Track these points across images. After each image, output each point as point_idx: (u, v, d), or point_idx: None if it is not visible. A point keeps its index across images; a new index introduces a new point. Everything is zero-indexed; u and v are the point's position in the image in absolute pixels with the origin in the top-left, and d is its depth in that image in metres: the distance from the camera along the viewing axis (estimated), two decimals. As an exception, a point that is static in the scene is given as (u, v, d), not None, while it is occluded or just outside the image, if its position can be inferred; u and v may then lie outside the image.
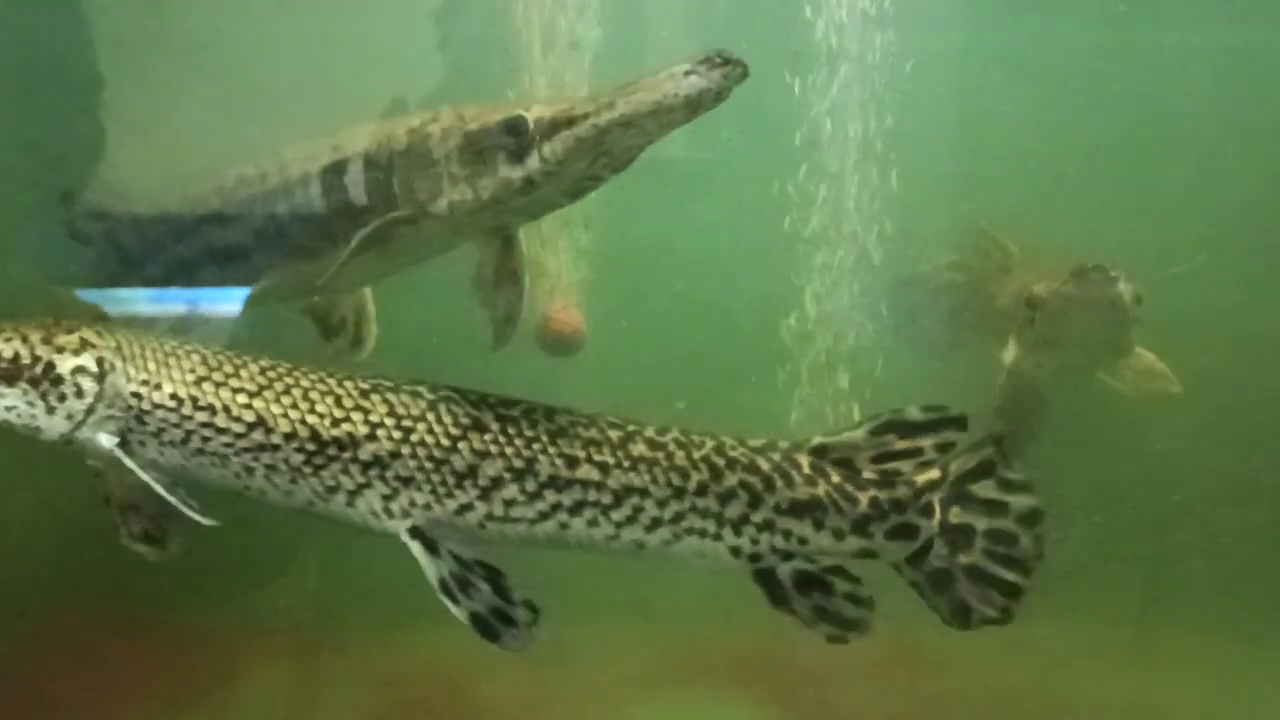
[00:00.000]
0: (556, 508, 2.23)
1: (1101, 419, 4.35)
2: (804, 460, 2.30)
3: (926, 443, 2.29)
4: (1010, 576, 2.35)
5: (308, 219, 2.59)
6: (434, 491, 2.20)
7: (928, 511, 2.30)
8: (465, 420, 2.23)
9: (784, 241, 4.33)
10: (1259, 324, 4.02)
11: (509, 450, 2.21)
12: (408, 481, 2.20)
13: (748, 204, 4.44)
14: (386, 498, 2.22)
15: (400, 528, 2.22)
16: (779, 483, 2.26)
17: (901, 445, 2.29)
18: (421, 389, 2.29)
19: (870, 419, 2.31)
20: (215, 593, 3.88)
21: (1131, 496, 4.42)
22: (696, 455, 2.27)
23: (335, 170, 2.53)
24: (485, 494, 2.21)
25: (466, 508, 2.21)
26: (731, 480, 2.26)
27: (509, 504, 2.21)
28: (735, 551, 2.27)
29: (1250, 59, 4.43)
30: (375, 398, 2.23)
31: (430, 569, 2.19)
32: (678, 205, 4.21)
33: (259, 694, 4.02)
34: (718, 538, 2.26)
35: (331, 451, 2.19)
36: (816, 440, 2.33)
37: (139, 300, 2.93)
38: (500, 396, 2.31)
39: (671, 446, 2.27)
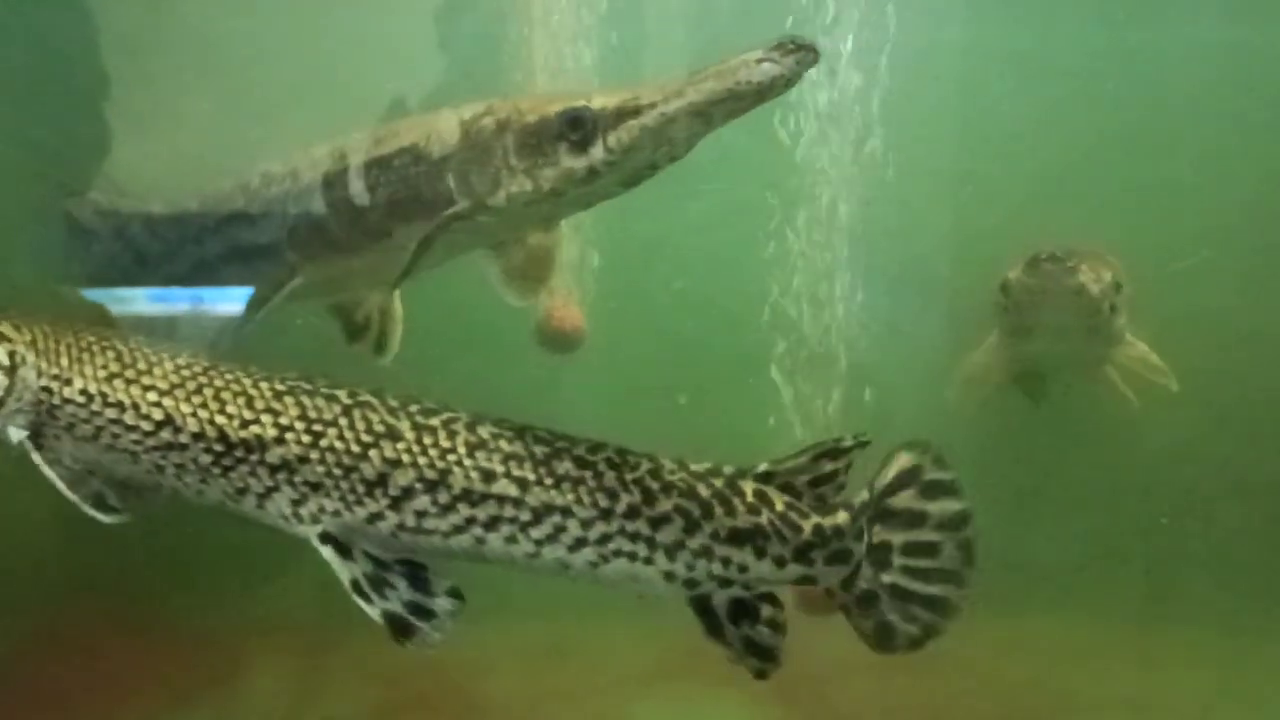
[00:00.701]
0: (471, 521, 2.15)
1: (1101, 415, 4.36)
2: (748, 487, 2.24)
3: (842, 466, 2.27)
4: (932, 590, 2.26)
5: (347, 215, 2.56)
6: (343, 499, 2.15)
7: (860, 535, 2.25)
8: (379, 428, 2.17)
9: (783, 239, 4.34)
10: (1259, 321, 4.01)
11: (421, 460, 2.15)
12: (316, 487, 2.15)
13: (747, 202, 4.45)
14: (295, 502, 2.17)
15: (310, 533, 2.18)
16: (718, 510, 2.20)
17: (831, 469, 2.25)
18: (340, 393, 2.22)
19: (813, 446, 2.27)
20: (217, 589, 3.90)
21: (1130, 493, 4.43)
22: (629, 477, 2.19)
23: (379, 165, 2.50)
24: (396, 504, 2.15)
25: (377, 516, 2.16)
26: (666, 505, 2.18)
27: (421, 515, 2.16)
28: (669, 577, 2.20)
29: (1250, 56, 4.43)
30: (289, 400, 2.18)
31: (342, 571, 2.16)
32: (676, 203, 4.21)
33: (261, 690, 4.03)
34: (649, 562, 2.18)
35: (239, 453, 2.16)
36: (762, 466, 2.27)
37: (139, 300, 2.93)
38: (426, 405, 2.24)
39: (602, 466, 2.19)
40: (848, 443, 2.25)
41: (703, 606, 2.24)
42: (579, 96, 2.26)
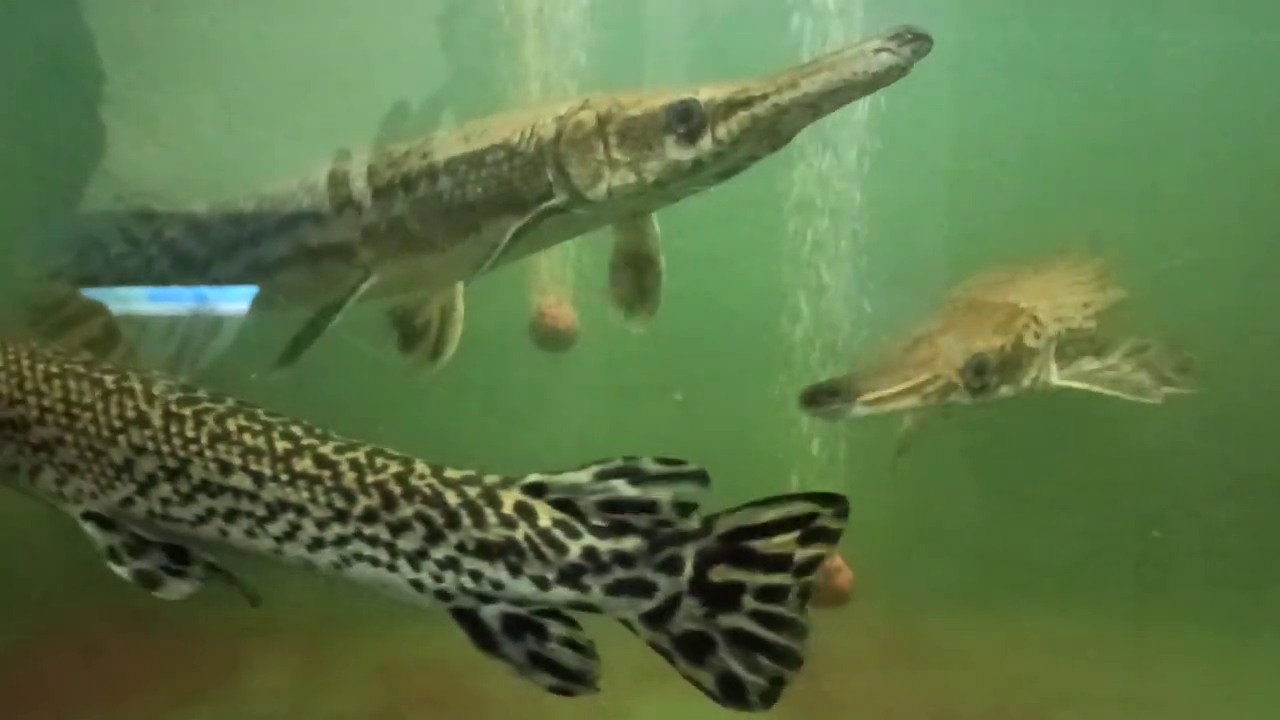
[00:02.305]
0: (211, 513, 2.14)
1: (1094, 413, 4.38)
2: (508, 499, 2.05)
3: (661, 495, 2.02)
4: (782, 640, 2.02)
5: (433, 212, 2.56)
6: (96, 481, 2.19)
7: (673, 566, 1.99)
8: (131, 414, 2.18)
9: (781, 237, 4.35)
10: (1252, 319, 4.03)
11: (165, 449, 2.15)
12: (73, 469, 2.20)
13: (745, 200, 4.46)
14: (58, 481, 2.22)
15: (74, 511, 2.22)
16: (466, 520, 2.03)
17: (631, 494, 2.01)
18: (108, 376, 2.24)
19: (599, 462, 2.06)
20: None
21: (1124, 490, 4.46)
22: (370, 479, 2.08)
23: (468, 161, 2.50)
24: (143, 490, 2.17)
25: (128, 501, 2.18)
26: (407, 511, 2.05)
27: (165, 503, 2.16)
28: (417, 586, 2.07)
29: (1246, 58, 4.46)
30: (56, 383, 2.22)
31: (100, 539, 2.19)
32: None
33: (262, 688, 4.04)
34: (393, 569, 2.07)
35: (7, 432, 2.22)
36: (533, 478, 2.07)
37: (144, 300, 2.93)
38: (191, 395, 2.22)
39: (344, 466, 2.09)
40: (651, 468, 2.01)
41: (469, 619, 2.07)
42: (683, 89, 2.27)
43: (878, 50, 2.02)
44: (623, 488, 2.02)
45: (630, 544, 2.01)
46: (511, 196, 2.45)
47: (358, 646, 4.04)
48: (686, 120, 2.25)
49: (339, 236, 2.67)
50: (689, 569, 1.99)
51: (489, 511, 2.04)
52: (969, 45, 4.25)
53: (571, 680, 2.09)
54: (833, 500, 1.99)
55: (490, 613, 2.06)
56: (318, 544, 2.09)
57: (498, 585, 2.04)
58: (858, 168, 4.26)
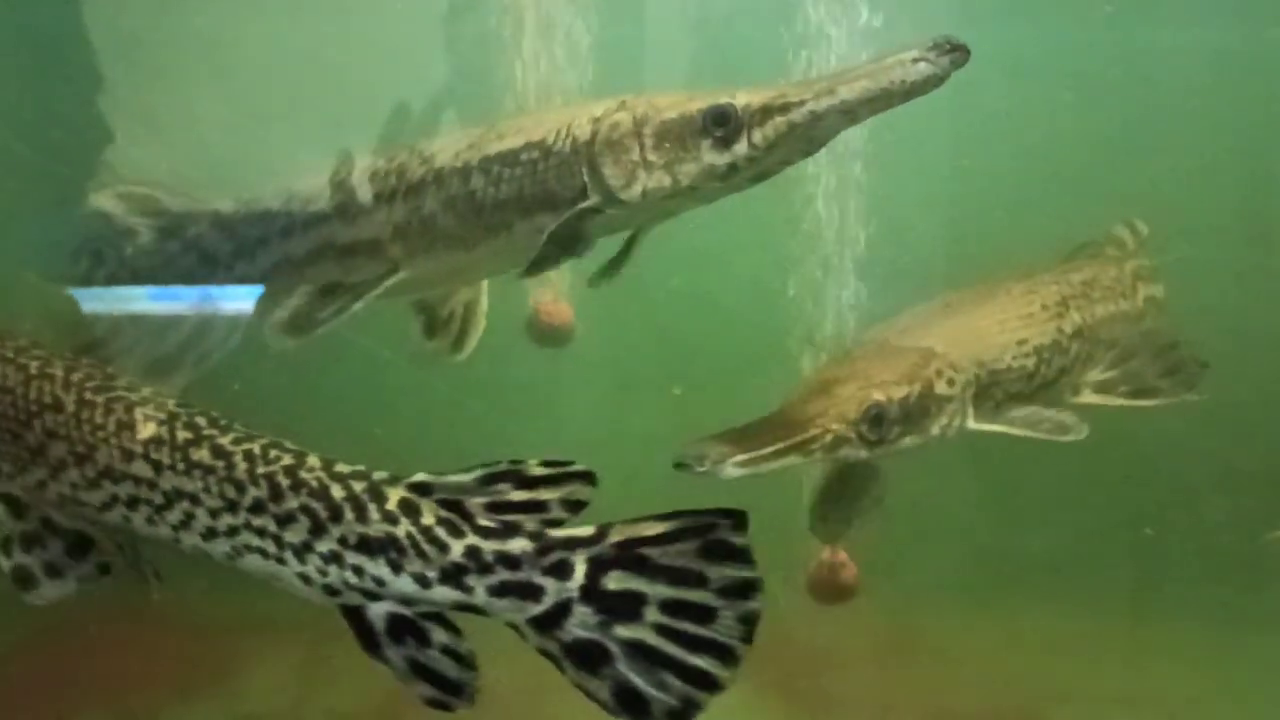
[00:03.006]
0: (115, 499, 2.16)
1: (1089, 410, 4.40)
2: (393, 495, 2.02)
3: (549, 496, 2.00)
4: (698, 662, 1.92)
5: (465, 209, 2.56)
6: (14, 462, 2.22)
7: (561, 571, 1.94)
8: (48, 399, 2.21)
9: (779, 235, 4.37)
10: (1247, 315, 4.04)
11: (74, 434, 2.18)
12: None
13: (744, 197, 4.47)
14: None
15: None
16: (349, 514, 2.02)
17: (518, 497, 2.00)
18: (33, 362, 2.27)
19: (485, 465, 2.04)
20: (220, 583, 3.92)
21: (1119, 488, 4.47)
22: (260, 470, 2.07)
23: (502, 160, 2.51)
24: (54, 474, 2.19)
25: (42, 484, 2.21)
26: (293, 503, 2.04)
27: (74, 487, 2.18)
28: (305, 579, 2.05)
29: (1240, 58, 4.48)
30: None
31: (5, 525, 2.23)
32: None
33: (263, 683, 4.06)
34: (281, 561, 2.06)
35: None
36: (419, 476, 2.05)
37: (144, 299, 2.93)
38: (105, 382, 2.24)
39: (238, 457, 2.09)
40: (537, 470, 2.00)
41: (355, 617, 2.04)
42: (720, 93, 2.28)
43: (916, 60, 2.05)
44: (509, 490, 2.00)
45: (516, 545, 1.97)
46: (546, 195, 2.47)
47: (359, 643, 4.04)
48: (723, 124, 2.26)
49: (369, 233, 2.67)
50: (580, 575, 1.94)
51: (372, 507, 2.02)
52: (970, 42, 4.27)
53: (449, 692, 2.03)
54: (730, 514, 1.92)
55: (376, 612, 2.03)
56: (211, 533, 2.09)
57: (380, 582, 2.01)
58: (859, 166, 4.28)
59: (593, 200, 2.40)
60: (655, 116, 2.35)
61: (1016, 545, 4.59)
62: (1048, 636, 4.51)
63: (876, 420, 2.74)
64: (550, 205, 2.46)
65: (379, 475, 2.06)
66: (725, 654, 1.91)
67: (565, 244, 2.44)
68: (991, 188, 4.53)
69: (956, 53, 2.05)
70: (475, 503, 2.01)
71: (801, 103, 2.17)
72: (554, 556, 1.94)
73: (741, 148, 2.25)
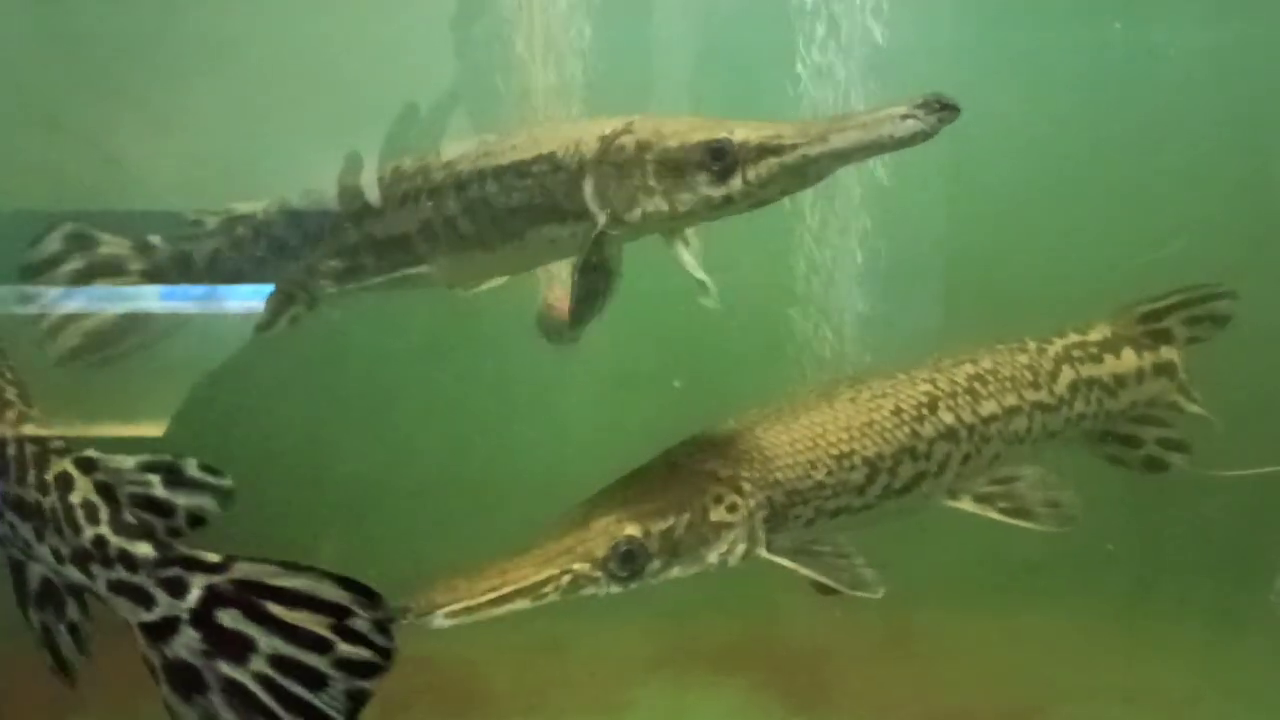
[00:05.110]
0: None
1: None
2: (56, 465, 2.00)
3: (182, 501, 1.97)
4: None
5: (482, 214, 2.67)
6: None
7: (176, 588, 1.88)
8: None
9: (779, 234, 4.38)
10: (1242, 311, 4.03)
11: None
12: None
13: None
14: None
15: None
16: (12, 473, 2.02)
17: (160, 493, 1.97)
18: None
19: (151, 453, 1.99)
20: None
21: (1115, 486, 4.47)
22: None
23: (515, 170, 2.61)
24: None
25: None
26: None
27: None
28: None
29: (1239, 56, 4.48)
30: None
31: None
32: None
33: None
34: None
35: None
36: (89, 452, 2.03)
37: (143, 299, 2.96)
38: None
39: None
40: (190, 472, 1.97)
41: (17, 570, 2.07)
42: (719, 126, 2.37)
43: (905, 116, 2.16)
44: (156, 483, 1.98)
45: (141, 549, 1.93)
46: (552, 207, 2.57)
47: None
48: (720, 159, 2.34)
49: (399, 229, 2.79)
50: (193, 599, 1.88)
51: (33, 472, 2.02)
52: (967, 45, 4.29)
53: (59, 666, 2.12)
54: (370, 598, 1.86)
55: (34, 571, 2.06)
56: None
57: (26, 545, 2.03)
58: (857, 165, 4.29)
59: (602, 223, 2.49)
60: (658, 144, 2.44)
61: (1011, 545, 4.59)
62: (1047, 634, 4.52)
63: (627, 557, 2.51)
64: (558, 217, 2.57)
65: (57, 443, 2.06)
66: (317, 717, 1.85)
67: (595, 276, 2.54)
68: (993, 183, 4.54)
69: (945, 111, 2.16)
70: (126, 492, 1.98)
71: (795, 146, 2.27)
72: (172, 571, 1.90)
73: (736, 183, 2.34)
